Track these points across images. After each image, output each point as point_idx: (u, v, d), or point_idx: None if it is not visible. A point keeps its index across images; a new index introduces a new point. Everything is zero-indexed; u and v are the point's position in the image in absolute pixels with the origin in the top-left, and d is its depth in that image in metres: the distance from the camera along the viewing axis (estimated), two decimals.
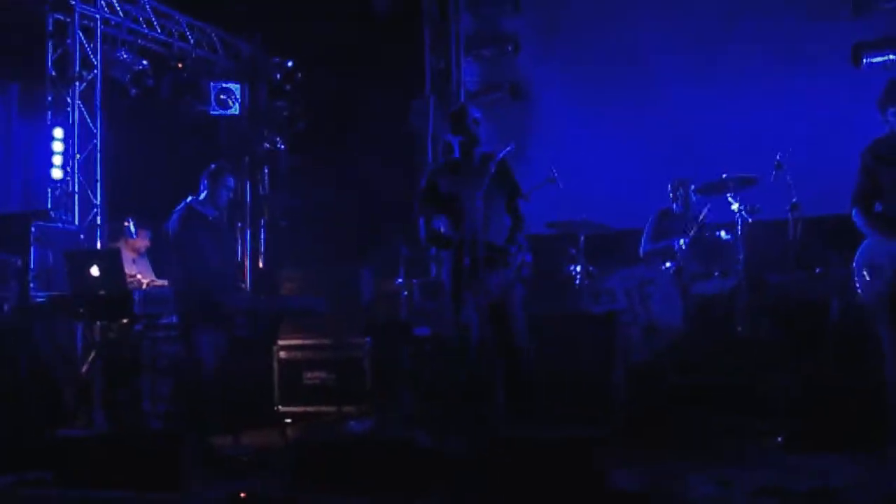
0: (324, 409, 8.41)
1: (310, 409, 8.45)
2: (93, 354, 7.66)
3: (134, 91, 9.45)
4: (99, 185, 9.30)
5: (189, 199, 6.92)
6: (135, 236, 8.47)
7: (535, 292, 6.19)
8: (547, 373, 6.27)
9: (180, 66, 10.15)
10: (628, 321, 7.22)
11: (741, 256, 7.39)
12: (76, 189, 9.07)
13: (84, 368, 7.73)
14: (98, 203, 9.24)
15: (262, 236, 11.37)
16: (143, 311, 6.85)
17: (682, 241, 7.72)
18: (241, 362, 7.33)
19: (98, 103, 9.34)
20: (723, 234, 7.65)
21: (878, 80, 5.65)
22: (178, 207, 6.90)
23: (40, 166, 9.00)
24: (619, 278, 7.56)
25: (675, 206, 8.43)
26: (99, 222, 9.21)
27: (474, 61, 10.87)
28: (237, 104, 10.32)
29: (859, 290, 5.24)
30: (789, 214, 7.09)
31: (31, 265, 7.62)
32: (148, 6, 9.90)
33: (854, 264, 5.24)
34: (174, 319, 7.25)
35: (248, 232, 11.30)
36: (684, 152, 9.08)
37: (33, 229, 7.60)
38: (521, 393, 5.68)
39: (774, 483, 4.57)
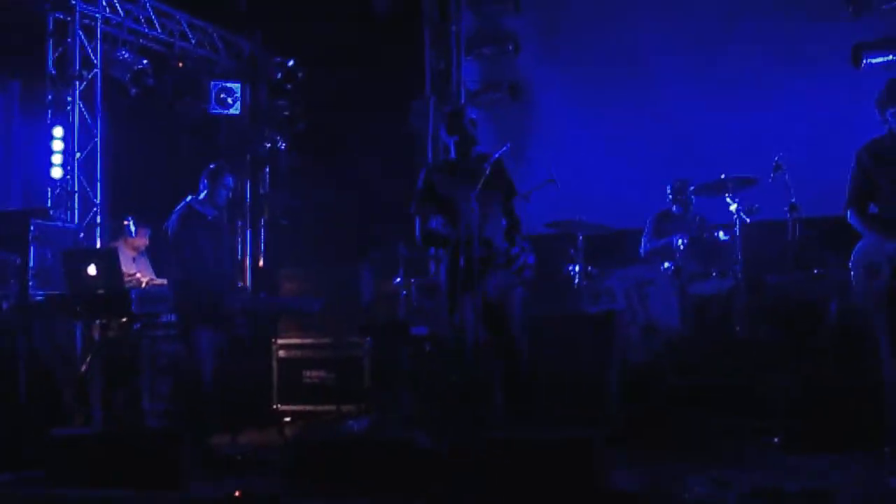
0: (323, 408, 8.43)
1: (309, 407, 8.48)
2: (92, 353, 7.66)
3: (134, 90, 9.45)
4: (99, 184, 9.30)
5: (188, 198, 6.93)
6: (134, 235, 8.49)
7: (534, 293, 6.20)
8: (545, 373, 6.28)
9: (181, 65, 10.15)
10: (627, 321, 7.22)
11: (739, 257, 7.40)
12: (76, 188, 9.08)
13: (83, 367, 7.74)
14: (98, 202, 9.24)
15: (263, 236, 11.37)
16: (142, 309, 6.86)
17: (680, 241, 7.72)
18: (241, 362, 7.35)
19: (98, 102, 9.34)
20: (721, 234, 7.65)
21: (877, 81, 5.62)
22: (178, 207, 6.91)
23: (41, 165, 9.01)
24: (618, 278, 7.56)
25: (674, 207, 8.43)
26: (99, 221, 9.21)
27: (475, 61, 10.86)
28: (237, 103, 10.33)
29: (856, 290, 5.25)
30: (788, 215, 7.10)
31: (31, 264, 7.62)
32: (149, 5, 9.89)
33: (851, 264, 5.25)
34: (174, 318, 7.26)
35: (249, 231, 11.30)
36: (684, 153, 9.08)
37: (32, 228, 7.59)
38: (519, 394, 5.68)
39: (771, 484, 4.57)
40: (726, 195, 7.56)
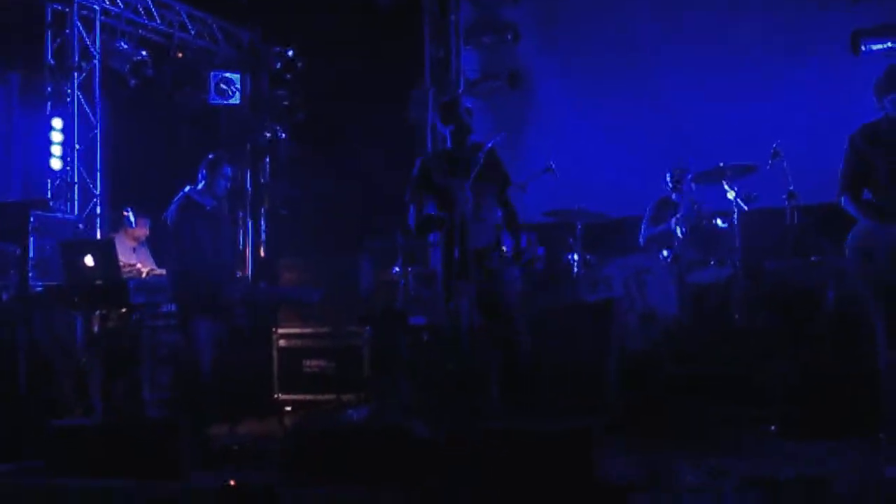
0: (323, 397, 8.44)
1: (309, 397, 8.49)
2: (91, 344, 7.68)
3: (133, 81, 9.46)
4: (99, 174, 9.32)
5: (187, 188, 6.95)
6: (134, 225, 8.51)
7: (536, 282, 6.22)
8: (543, 362, 6.28)
9: (180, 55, 10.15)
10: (625, 309, 7.22)
11: (738, 244, 7.39)
12: (76, 179, 9.09)
13: (83, 358, 7.75)
14: (98, 193, 9.26)
15: (264, 225, 11.38)
16: (141, 300, 6.89)
17: (679, 229, 7.72)
18: (240, 352, 7.36)
19: (98, 93, 9.36)
20: (719, 222, 7.65)
21: (876, 69, 5.60)
22: (177, 197, 6.93)
23: (40, 156, 9.02)
24: (617, 266, 7.56)
25: (674, 195, 8.43)
26: (98, 212, 9.23)
27: (474, 50, 10.85)
28: (237, 93, 10.32)
29: (852, 276, 5.25)
30: (786, 203, 7.10)
31: (31, 255, 7.64)
32: None
33: (847, 250, 5.25)
34: (174, 308, 7.28)
35: (250, 221, 11.31)
36: (682, 143, 9.06)
37: (32, 219, 7.61)
38: (517, 383, 5.69)
39: (767, 472, 4.58)
40: (724, 183, 7.55)
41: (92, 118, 9.31)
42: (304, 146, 11.08)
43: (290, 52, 10.92)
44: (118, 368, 7.40)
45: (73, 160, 9.08)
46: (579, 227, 8.02)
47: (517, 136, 9.64)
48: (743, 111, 9.04)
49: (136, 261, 8.22)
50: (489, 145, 5.55)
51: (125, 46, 9.45)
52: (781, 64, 9.08)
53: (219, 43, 10.84)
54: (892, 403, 5.08)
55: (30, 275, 7.51)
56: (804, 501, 3.81)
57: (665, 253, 7.79)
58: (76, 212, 8.95)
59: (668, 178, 8.43)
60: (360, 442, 4.78)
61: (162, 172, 9.27)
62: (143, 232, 8.61)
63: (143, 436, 5.05)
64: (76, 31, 9.14)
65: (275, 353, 8.70)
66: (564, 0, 10.37)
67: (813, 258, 6.95)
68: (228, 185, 7.22)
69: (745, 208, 7.47)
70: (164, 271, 7.90)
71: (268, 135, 11.04)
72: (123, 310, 7.34)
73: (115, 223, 8.85)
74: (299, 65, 10.97)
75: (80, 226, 8.72)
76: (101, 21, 9.37)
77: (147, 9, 9.90)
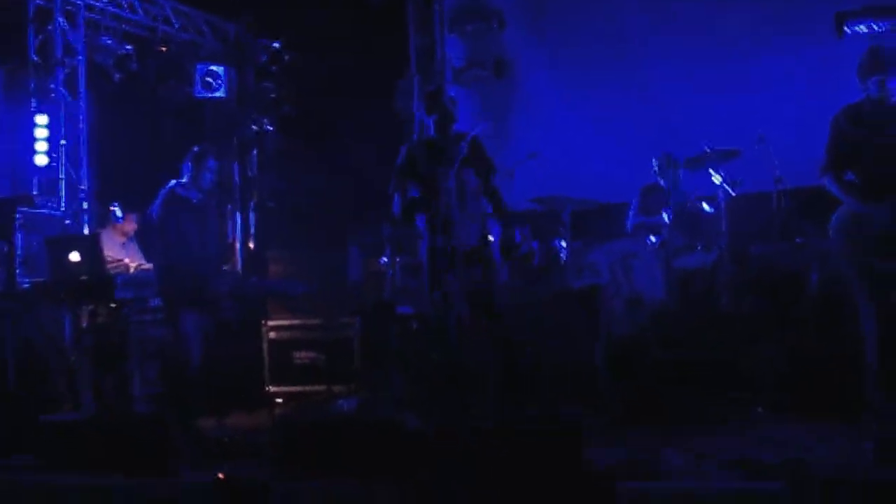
0: (314, 388, 8.45)
1: (299, 388, 8.49)
2: (80, 339, 7.68)
3: (118, 75, 9.44)
4: (85, 170, 9.30)
5: (172, 182, 6.94)
6: (121, 220, 8.49)
7: (527, 274, 6.23)
8: (533, 353, 6.30)
9: (164, 49, 10.12)
10: (611, 294, 7.23)
11: (724, 229, 7.40)
12: (62, 175, 9.07)
13: (72, 354, 7.76)
14: (84, 188, 9.24)
15: (252, 218, 11.37)
16: (129, 294, 6.87)
17: (665, 215, 7.73)
18: (229, 345, 7.37)
19: (82, 89, 9.33)
20: (705, 206, 7.66)
21: (861, 51, 5.65)
22: (162, 191, 6.93)
23: (26, 152, 9.00)
24: (603, 252, 7.55)
25: (661, 181, 8.43)
26: (85, 207, 9.21)
27: (459, 38, 10.78)
28: (223, 87, 10.29)
29: (836, 257, 5.29)
30: (773, 187, 7.12)
31: (18, 251, 7.63)
32: None
33: (830, 231, 5.28)
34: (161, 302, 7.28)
35: (239, 214, 11.30)
36: (670, 134, 9.01)
37: (18, 216, 7.61)
38: (514, 381, 5.71)
39: (752, 454, 4.61)
40: (710, 167, 7.55)
41: (77, 113, 9.28)
42: (294, 140, 11.06)
43: (277, 45, 10.89)
44: (107, 364, 7.40)
45: (59, 156, 9.05)
46: (567, 213, 8.02)
47: (503, 125, 9.62)
48: (730, 102, 9.00)
49: (124, 256, 8.21)
50: (472, 135, 5.56)
51: (109, 42, 9.42)
52: (769, 55, 9.03)
53: (204, 36, 10.82)
54: (875, 383, 5.12)
55: (17, 272, 7.51)
56: (788, 483, 3.84)
57: (653, 239, 7.80)
58: (63, 207, 8.93)
59: (655, 165, 8.44)
60: (351, 434, 4.78)
61: (147, 167, 9.27)
62: (131, 227, 8.59)
63: (133, 431, 5.06)
64: (59, 27, 9.10)
65: (265, 346, 8.70)
66: None
67: (797, 240, 6.98)
68: (214, 178, 7.21)
69: (732, 193, 7.47)
70: (151, 266, 7.89)
71: (255, 128, 11.02)
72: (111, 305, 7.34)
73: (103, 218, 8.82)
74: (286, 57, 10.94)
75: (68, 221, 8.71)
76: (84, 17, 9.33)
77: (131, 3, 9.86)
